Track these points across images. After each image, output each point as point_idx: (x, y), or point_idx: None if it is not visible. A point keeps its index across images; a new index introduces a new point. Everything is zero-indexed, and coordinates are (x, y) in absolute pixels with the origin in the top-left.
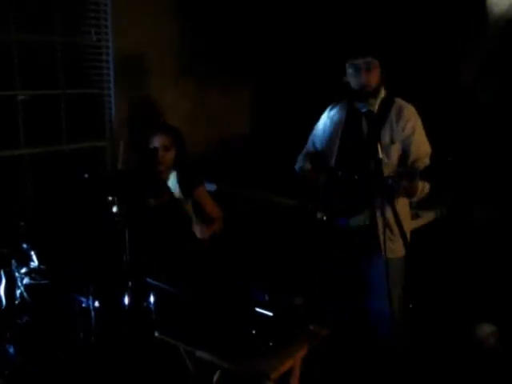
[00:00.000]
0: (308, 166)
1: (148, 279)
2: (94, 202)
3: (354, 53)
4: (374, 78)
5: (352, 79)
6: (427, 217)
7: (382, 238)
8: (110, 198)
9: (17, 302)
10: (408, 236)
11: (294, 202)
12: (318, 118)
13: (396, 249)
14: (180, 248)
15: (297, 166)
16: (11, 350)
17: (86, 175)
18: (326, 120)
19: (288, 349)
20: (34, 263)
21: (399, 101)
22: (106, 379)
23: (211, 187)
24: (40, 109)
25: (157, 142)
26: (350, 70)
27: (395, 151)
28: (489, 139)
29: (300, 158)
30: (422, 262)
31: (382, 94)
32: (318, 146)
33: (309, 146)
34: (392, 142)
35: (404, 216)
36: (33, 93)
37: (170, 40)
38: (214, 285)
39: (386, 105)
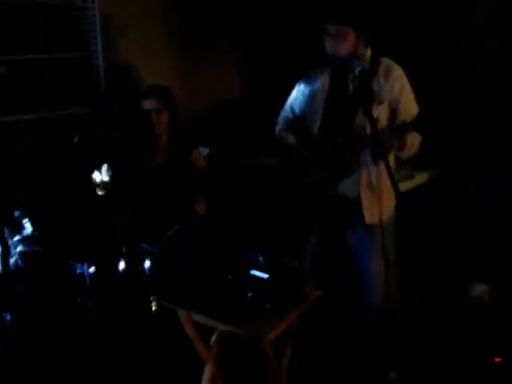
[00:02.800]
0: (292, 139)
1: (144, 244)
2: (85, 167)
3: (324, 17)
4: (343, 47)
5: (325, 42)
6: (421, 178)
7: (365, 202)
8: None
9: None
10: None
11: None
12: None
13: (377, 213)
14: (176, 212)
15: (277, 130)
16: (8, 317)
17: (76, 139)
18: (304, 87)
19: (284, 310)
20: (27, 231)
21: (387, 61)
22: (104, 345)
23: (204, 151)
24: (24, 74)
25: (148, 105)
26: (324, 35)
27: (383, 111)
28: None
29: (280, 124)
30: (414, 222)
31: (367, 55)
32: (298, 111)
33: (287, 112)
34: (380, 101)
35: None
36: (16, 58)
37: (162, 4)
38: (209, 249)
39: (373, 64)
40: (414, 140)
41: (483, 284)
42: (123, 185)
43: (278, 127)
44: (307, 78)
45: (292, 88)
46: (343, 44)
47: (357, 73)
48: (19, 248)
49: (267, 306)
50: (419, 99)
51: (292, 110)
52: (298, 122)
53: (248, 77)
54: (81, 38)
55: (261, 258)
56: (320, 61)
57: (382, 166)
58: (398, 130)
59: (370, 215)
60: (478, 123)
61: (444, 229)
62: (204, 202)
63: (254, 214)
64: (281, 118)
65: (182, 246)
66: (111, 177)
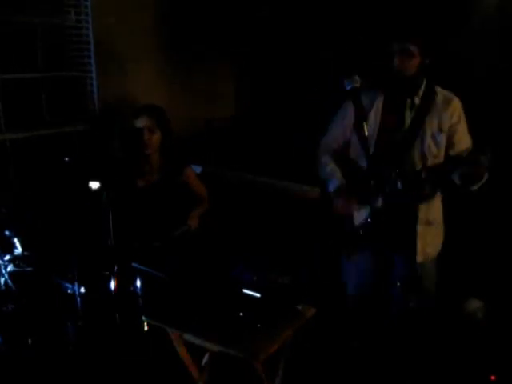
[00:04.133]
0: (339, 175)
1: (134, 263)
2: (76, 186)
3: (397, 34)
4: (410, 66)
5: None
6: None
7: (421, 242)
8: (93, 185)
9: (1, 289)
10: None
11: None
12: (302, 98)
13: (431, 252)
14: (167, 230)
15: (320, 159)
16: None
17: (67, 159)
18: (352, 109)
19: (276, 330)
20: (18, 250)
21: (443, 90)
22: (94, 365)
23: (197, 169)
24: (21, 93)
25: (140, 123)
26: (388, 50)
27: (444, 140)
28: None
29: (323, 154)
30: None
31: (425, 81)
32: (341, 140)
33: (329, 142)
34: (441, 129)
35: (440, 218)
36: (13, 76)
37: (152, 20)
38: (201, 267)
39: (430, 92)
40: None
41: (478, 300)
42: (115, 204)
43: (321, 157)
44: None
45: (286, 107)
46: (410, 62)
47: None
48: (9, 268)
49: (259, 325)
50: None
51: (336, 136)
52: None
53: (239, 91)
54: (74, 57)
55: (254, 277)
56: (369, 78)
57: (439, 200)
58: (472, 162)
59: (423, 255)
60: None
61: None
62: (196, 219)
63: (247, 231)
64: (326, 139)
65: (173, 264)
66: (104, 195)
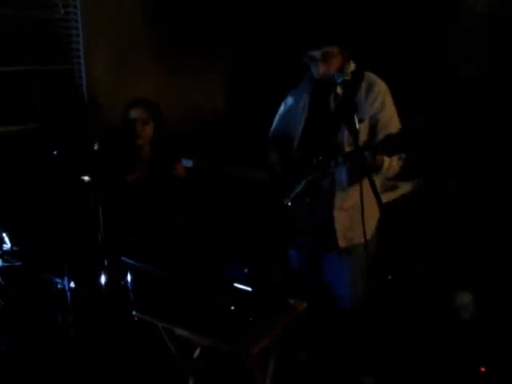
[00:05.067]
0: (276, 157)
1: (124, 258)
2: (65, 180)
3: (308, 44)
4: (333, 66)
5: (312, 67)
6: (405, 187)
7: (338, 226)
8: (86, 178)
9: None
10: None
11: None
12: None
13: (355, 236)
14: (157, 225)
15: (268, 146)
16: None
17: (55, 152)
18: (289, 102)
19: (268, 324)
20: (7, 245)
21: (370, 75)
22: (85, 361)
23: (188, 163)
24: (9, 86)
25: (134, 114)
26: (306, 59)
27: (362, 130)
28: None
29: (270, 141)
30: (399, 232)
31: (351, 68)
32: (283, 127)
33: (275, 127)
34: (360, 120)
35: (370, 202)
36: (0, 70)
37: (142, 13)
38: (192, 261)
39: (355, 78)
40: (392, 161)
41: (468, 293)
42: (105, 197)
43: (269, 143)
44: (294, 94)
45: (275, 98)
46: (332, 63)
47: (338, 90)
48: None
49: (250, 319)
50: (405, 107)
51: (279, 125)
52: (282, 140)
53: (229, 87)
54: (63, 50)
55: (245, 270)
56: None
57: (365, 184)
58: (374, 148)
59: (344, 239)
60: (465, 128)
61: (427, 238)
62: (186, 213)
63: (238, 225)
64: (270, 134)
65: (164, 259)
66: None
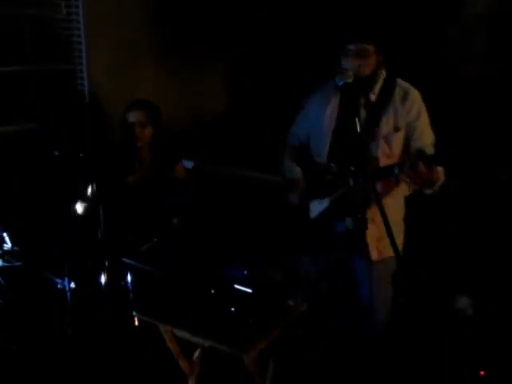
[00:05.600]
0: (298, 171)
1: (125, 258)
2: (66, 181)
3: (347, 38)
4: (367, 66)
5: (344, 62)
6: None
7: (371, 240)
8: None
9: None
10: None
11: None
12: (294, 92)
13: (386, 249)
14: (158, 226)
15: (281, 164)
16: None
17: (56, 153)
18: (312, 108)
19: (267, 325)
20: (7, 245)
21: (403, 83)
22: (84, 361)
23: (188, 164)
24: (10, 86)
25: (132, 118)
26: (342, 52)
27: (398, 139)
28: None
29: (284, 156)
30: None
31: (382, 76)
32: (304, 139)
33: (292, 140)
34: (396, 129)
35: (396, 219)
36: (1, 70)
37: (145, 14)
38: (192, 262)
39: (388, 88)
40: (440, 174)
41: (467, 296)
42: (105, 198)
43: (285, 148)
44: (318, 99)
45: (275, 98)
46: (366, 63)
47: (372, 97)
48: None
49: (251, 321)
50: None
51: (299, 131)
52: (303, 152)
53: (229, 87)
54: (65, 50)
55: (245, 272)
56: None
57: (395, 200)
58: (424, 159)
59: (377, 251)
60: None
61: (426, 241)
62: (185, 215)
63: (238, 226)
64: (289, 139)
65: (164, 259)
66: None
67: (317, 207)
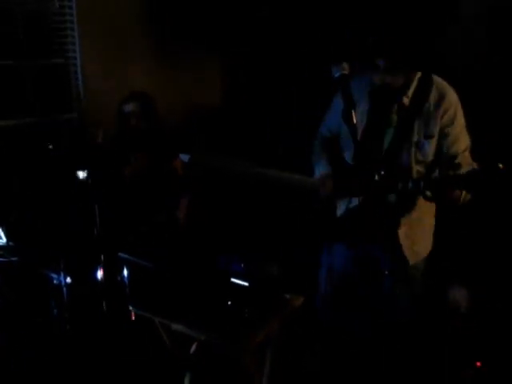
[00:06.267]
0: (324, 163)
1: (121, 253)
2: (61, 175)
3: (376, 51)
4: (400, 79)
5: (374, 75)
6: None
7: (405, 242)
8: (81, 174)
9: None
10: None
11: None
12: (289, 86)
13: (420, 250)
14: (154, 219)
15: (312, 153)
16: None
17: (51, 146)
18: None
19: (264, 319)
20: (3, 240)
21: (441, 83)
22: (81, 356)
23: (184, 158)
24: (4, 80)
25: (128, 109)
26: (370, 66)
27: (432, 147)
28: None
29: (317, 144)
30: None
31: (417, 75)
32: (336, 131)
33: (325, 128)
34: (430, 135)
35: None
36: None
37: (139, 6)
38: (188, 256)
39: (423, 90)
40: (467, 194)
41: (462, 288)
42: (102, 190)
43: (315, 145)
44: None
45: (273, 93)
46: (400, 76)
47: (405, 100)
48: None
49: (247, 314)
50: None
51: (329, 126)
52: (333, 145)
53: (227, 82)
54: (58, 44)
55: (242, 265)
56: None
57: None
58: (447, 183)
59: (413, 254)
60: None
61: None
62: (184, 208)
63: (235, 220)
64: (320, 133)
65: (160, 254)
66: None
67: (343, 206)
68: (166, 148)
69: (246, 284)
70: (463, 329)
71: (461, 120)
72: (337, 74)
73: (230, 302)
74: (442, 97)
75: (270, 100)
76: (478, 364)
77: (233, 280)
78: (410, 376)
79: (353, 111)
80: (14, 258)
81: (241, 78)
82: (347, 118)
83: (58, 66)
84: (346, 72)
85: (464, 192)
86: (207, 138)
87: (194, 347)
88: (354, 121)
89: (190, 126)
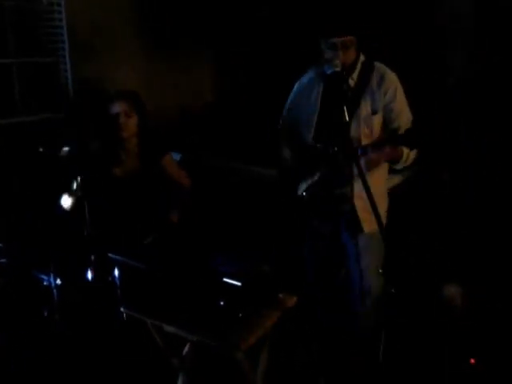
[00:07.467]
0: (288, 152)
1: (112, 254)
2: (51, 175)
3: (330, 32)
4: (351, 54)
5: (327, 54)
6: (392, 180)
7: (360, 212)
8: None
9: None
10: (383, 212)
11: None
12: (282, 82)
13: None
14: (146, 220)
15: (280, 140)
16: None
17: (41, 149)
18: (299, 93)
19: (257, 319)
20: None
21: (380, 66)
22: (72, 357)
23: (176, 156)
24: None
25: (116, 108)
26: (325, 46)
27: (377, 121)
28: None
29: (281, 135)
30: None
31: (361, 59)
32: (294, 125)
33: (285, 119)
34: (374, 111)
35: (380, 191)
36: None
37: (128, 4)
38: (180, 256)
39: (366, 71)
40: (409, 154)
41: (456, 285)
42: (92, 192)
43: (280, 137)
44: (304, 87)
45: (264, 90)
46: (350, 52)
47: (350, 82)
48: None
49: (240, 314)
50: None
51: (289, 118)
52: (292, 133)
53: (217, 79)
54: (47, 42)
55: (234, 265)
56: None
57: (377, 174)
58: (390, 141)
59: (369, 224)
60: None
61: (415, 230)
62: (177, 209)
63: (228, 219)
64: (281, 126)
65: (152, 254)
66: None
67: (303, 185)
68: (158, 145)
69: (238, 284)
70: (459, 326)
71: (401, 97)
72: (329, 71)
73: (222, 303)
74: (382, 77)
75: (263, 99)
76: (472, 361)
77: (225, 280)
78: (408, 374)
79: (344, 107)
80: (2, 260)
81: (233, 73)
82: (334, 109)
83: (46, 64)
84: (338, 69)
85: (406, 151)
86: (199, 137)
87: (186, 348)
88: (346, 117)
89: (181, 123)
